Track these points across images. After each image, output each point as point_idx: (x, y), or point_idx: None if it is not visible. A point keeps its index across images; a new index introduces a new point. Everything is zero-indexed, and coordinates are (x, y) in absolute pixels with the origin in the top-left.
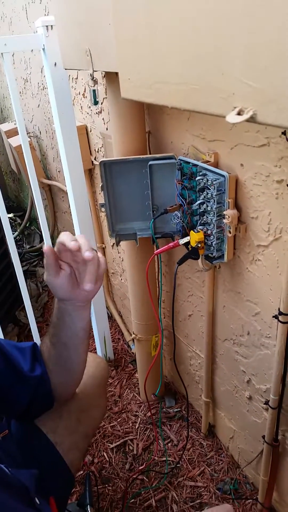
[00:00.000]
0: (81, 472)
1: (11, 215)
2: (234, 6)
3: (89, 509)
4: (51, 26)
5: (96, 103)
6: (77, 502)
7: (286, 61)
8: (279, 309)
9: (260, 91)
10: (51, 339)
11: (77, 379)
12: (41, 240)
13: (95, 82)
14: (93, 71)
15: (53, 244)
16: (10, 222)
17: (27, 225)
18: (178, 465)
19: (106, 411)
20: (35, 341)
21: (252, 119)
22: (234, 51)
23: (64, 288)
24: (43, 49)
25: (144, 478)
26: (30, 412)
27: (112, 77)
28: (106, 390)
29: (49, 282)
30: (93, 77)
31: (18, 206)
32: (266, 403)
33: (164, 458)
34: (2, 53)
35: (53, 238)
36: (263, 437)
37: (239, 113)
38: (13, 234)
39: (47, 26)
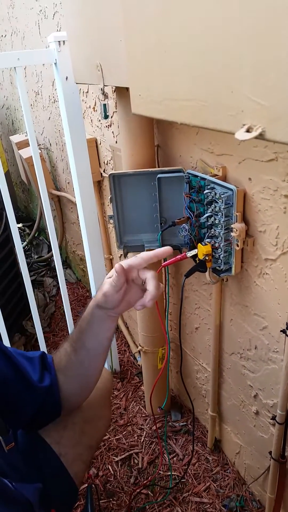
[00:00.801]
0: (85, 485)
1: (20, 225)
2: (243, 25)
3: None
4: (63, 41)
5: (106, 117)
6: None
7: None
8: (287, 323)
9: (268, 109)
10: (73, 344)
11: (91, 389)
12: (49, 250)
13: (106, 96)
14: (104, 85)
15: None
16: (19, 232)
17: (35, 235)
18: (183, 480)
19: (111, 422)
20: (41, 350)
21: (261, 136)
22: (243, 69)
23: (115, 301)
24: (55, 63)
25: (149, 492)
26: (37, 421)
27: (122, 92)
28: (110, 401)
29: (107, 294)
30: (103, 92)
31: (27, 217)
32: (273, 418)
33: (170, 473)
34: (15, 67)
35: (61, 248)
36: (270, 453)
37: (248, 130)
38: (21, 244)
39: (59, 41)
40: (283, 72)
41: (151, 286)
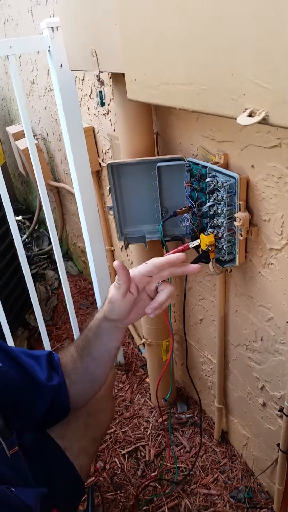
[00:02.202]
0: (92, 478)
1: (19, 217)
2: (245, 6)
3: None
4: (57, 27)
5: (102, 104)
6: None
7: None
8: None
9: (272, 92)
10: (79, 352)
11: (96, 391)
12: (50, 242)
13: (102, 83)
14: (99, 72)
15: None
16: (18, 225)
17: (35, 227)
18: (191, 472)
19: (114, 415)
20: (44, 344)
21: (264, 121)
22: (245, 51)
23: (122, 310)
24: (49, 50)
25: (157, 485)
26: (47, 421)
27: (118, 78)
28: (113, 394)
29: (113, 299)
30: (99, 78)
31: (27, 209)
32: (281, 410)
33: (177, 465)
34: (7, 56)
35: (62, 240)
36: (278, 445)
37: (250, 115)
38: (21, 237)
39: (52, 27)
40: (287, 55)
41: (162, 296)
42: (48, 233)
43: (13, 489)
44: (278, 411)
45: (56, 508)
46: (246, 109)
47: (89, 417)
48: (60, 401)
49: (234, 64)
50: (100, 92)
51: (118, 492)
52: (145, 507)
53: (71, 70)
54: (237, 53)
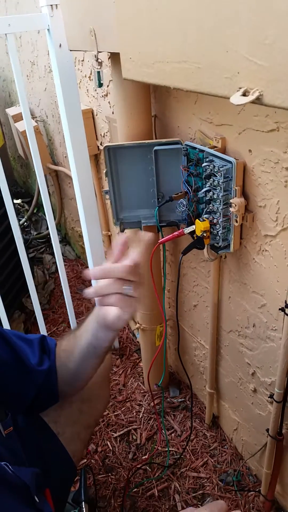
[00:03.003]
0: (84, 460)
1: (18, 201)
2: None
3: (83, 506)
4: (56, 5)
5: (100, 85)
6: (72, 497)
7: None
8: (285, 301)
9: (266, 69)
10: (69, 356)
11: (87, 382)
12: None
13: (100, 64)
14: (98, 52)
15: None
16: (17, 208)
17: (34, 211)
18: (181, 456)
19: (109, 402)
20: (40, 328)
21: (258, 101)
22: (239, 26)
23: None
24: (48, 29)
25: (147, 468)
26: (35, 406)
27: (117, 59)
28: (109, 381)
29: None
30: (97, 58)
31: (26, 192)
32: (271, 396)
33: (167, 449)
34: (6, 34)
35: (60, 225)
36: (267, 430)
37: (244, 94)
38: (20, 220)
39: (51, 5)
40: (283, 29)
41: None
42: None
43: (10, 467)
44: (268, 397)
45: (49, 488)
46: (240, 88)
47: (83, 403)
48: (49, 385)
49: (229, 41)
50: (98, 72)
51: (110, 474)
52: (136, 490)
53: (70, 50)
54: (231, 28)
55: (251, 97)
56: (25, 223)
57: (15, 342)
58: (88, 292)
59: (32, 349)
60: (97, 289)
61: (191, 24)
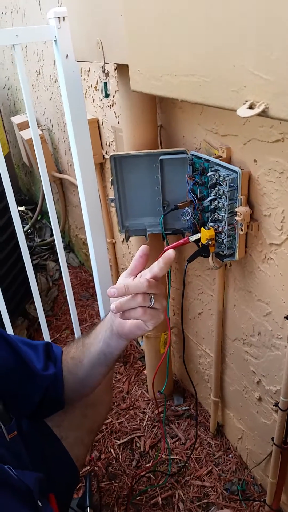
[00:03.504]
0: (87, 467)
1: (22, 208)
2: None
3: (88, 511)
4: (63, 17)
5: (107, 96)
6: (76, 503)
7: None
8: None
9: (272, 84)
10: (78, 364)
11: (93, 389)
12: (52, 234)
13: (107, 74)
14: (105, 63)
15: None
16: (21, 215)
17: (38, 218)
18: (186, 464)
19: (112, 407)
20: (43, 334)
21: (264, 113)
22: (246, 41)
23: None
24: (55, 40)
25: (151, 475)
26: (41, 411)
27: (123, 70)
28: (112, 387)
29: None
30: (104, 70)
31: (30, 199)
32: (276, 405)
33: (172, 457)
34: (13, 45)
35: (64, 232)
36: (272, 439)
37: (250, 107)
38: (24, 227)
39: (59, 17)
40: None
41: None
42: (51, 224)
43: (13, 471)
44: (274, 405)
45: (54, 494)
46: (246, 101)
47: (87, 408)
48: (55, 390)
49: (235, 56)
50: (105, 83)
51: (113, 481)
52: (139, 497)
53: (77, 61)
54: (238, 44)
55: (257, 110)
56: (29, 230)
57: (20, 347)
58: (112, 307)
59: (37, 355)
60: (121, 303)
61: (199, 40)
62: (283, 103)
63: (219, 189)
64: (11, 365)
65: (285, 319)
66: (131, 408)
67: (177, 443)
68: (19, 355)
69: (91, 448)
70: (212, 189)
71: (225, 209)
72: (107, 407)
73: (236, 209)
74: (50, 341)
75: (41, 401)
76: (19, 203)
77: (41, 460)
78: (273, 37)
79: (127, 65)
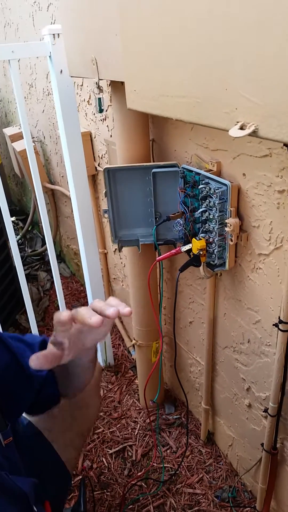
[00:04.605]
0: (79, 477)
1: (13, 218)
2: (237, 21)
3: None
4: (58, 34)
5: (101, 111)
6: (71, 508)
7: (286, 77)
8: (279, 317)
9: (261, 107)
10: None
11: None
12: (43, 244)
13: (101, 90)
14: (99, 79)
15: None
16: (12, 226)
17: (29, 229)
18: (177, 472)
19: (100, 411)
20: None
21: (254, 134)
22: (236, 66)
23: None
24: (50, 56)
25: (143, 484)
26: (35, 408)
27: (117, 86)
28: (100, 390)
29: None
30: (98, 85)
31: (21, 210)
32: (265, 411)
33: (162, 466)
34: (9, 60)
35: (55, 242)
36: (262, 445)
37: (241, 128)
38: (15, 238)
39: (54, 34)
40: (275, 71)
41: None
42: (42, 234)
43: (9, 476)
44: (263, 411)
45: (49, 501)
46: (237, 122)
47: (75, 410)
48: (49, 389)
49: (227, 79)
50: (99, 99)
51: (105, 491)
52: (131, 506)
53: (71, 76)
54: (229, 69)
55: (247, 131)
56: (20, 240)
57: (14, 344)
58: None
59: (33, 352)
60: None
61: (192, 63)
62: (271, 125)
63: (209, 201)
64: (4, 364)
65: (274, 326)
66: (122, 417)
67: (168, 451)
68: (13, 353)
69: (82, 457)
70: (203, 201)
71: (216, 221)
72: (96, 411)
73: (226, 221)
74: (45, 336)
75: (36, 400)
76: (10, 214)
77: (33, 465)
78: (261, 62)
79: (121, 82)
